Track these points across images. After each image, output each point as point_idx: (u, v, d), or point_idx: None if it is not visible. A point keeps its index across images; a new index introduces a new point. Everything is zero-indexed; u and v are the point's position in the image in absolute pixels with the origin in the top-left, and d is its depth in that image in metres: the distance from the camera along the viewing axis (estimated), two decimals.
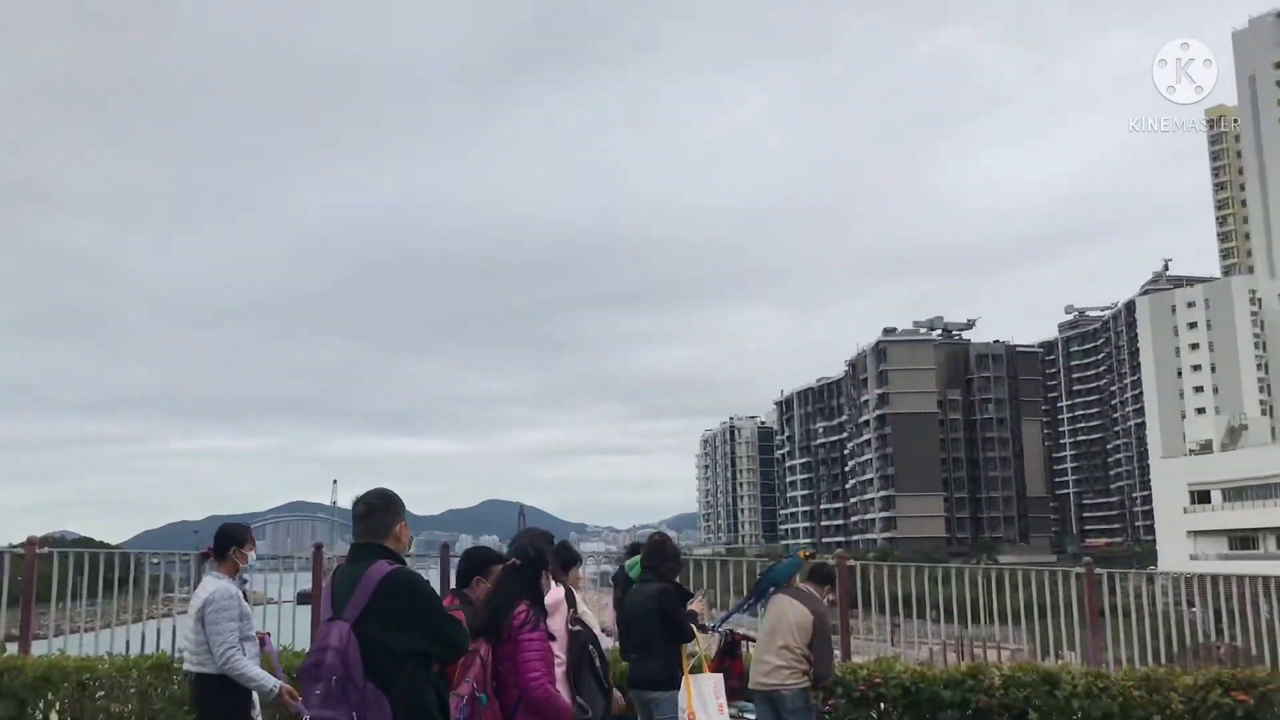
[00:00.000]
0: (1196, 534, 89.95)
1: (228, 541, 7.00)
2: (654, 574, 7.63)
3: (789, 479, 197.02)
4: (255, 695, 6.78)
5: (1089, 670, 9.92)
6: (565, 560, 6.91)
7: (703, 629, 7.89)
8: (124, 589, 11.41)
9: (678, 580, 7.82)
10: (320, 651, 4.49)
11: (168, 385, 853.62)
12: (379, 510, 4.83)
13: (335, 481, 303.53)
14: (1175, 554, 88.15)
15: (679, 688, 7.33)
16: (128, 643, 10.16)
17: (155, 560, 12.76)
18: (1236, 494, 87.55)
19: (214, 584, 6.83)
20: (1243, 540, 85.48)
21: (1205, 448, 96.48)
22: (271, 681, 6.68)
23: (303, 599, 10.68)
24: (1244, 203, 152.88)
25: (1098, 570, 11.29)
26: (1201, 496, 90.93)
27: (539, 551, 5.70)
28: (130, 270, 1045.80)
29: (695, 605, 7.76)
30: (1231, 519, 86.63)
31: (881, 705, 9.48)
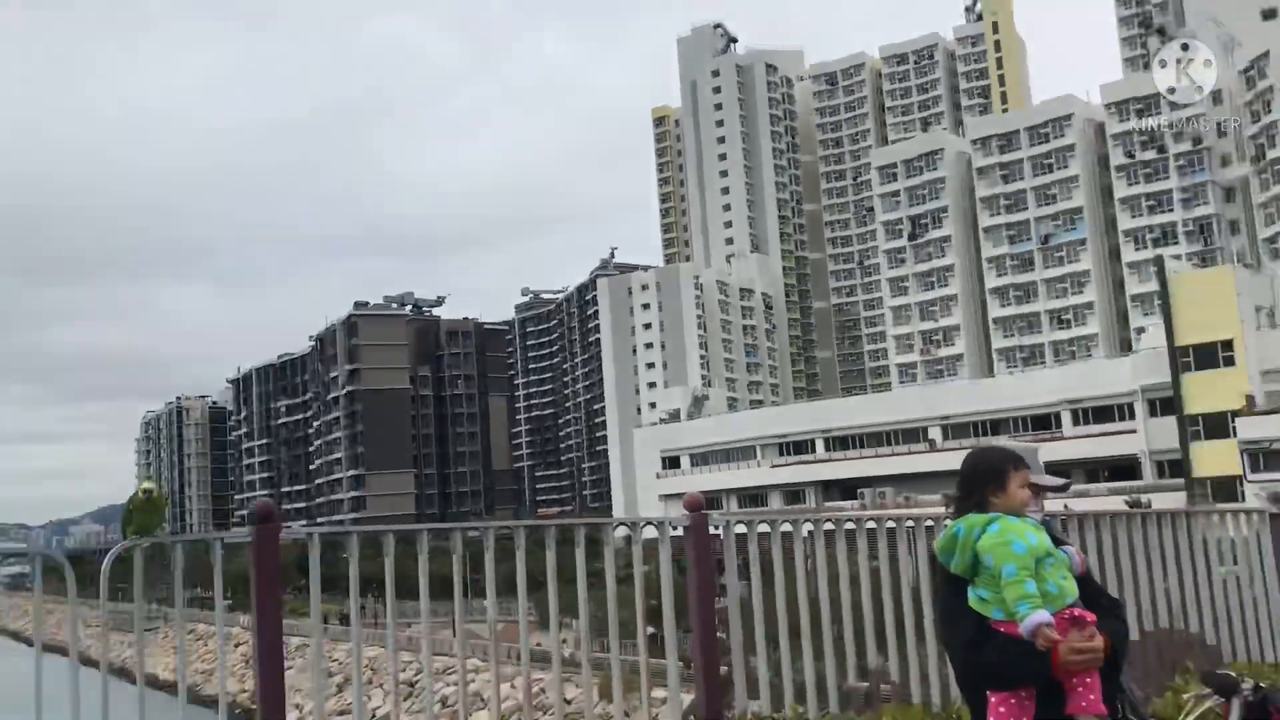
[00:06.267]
0: (667, 498, 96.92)
1: None
2: None
3: (246, 461, 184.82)
4: None
5: None
6: None
7: None
8: None
9: None
10: None
11: None
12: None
13: None
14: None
15: None
16: None
17: None
18: (702, 459, 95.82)
19: None
20: (708, 502, 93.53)
21: (674, 416, 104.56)
22: None
23: None
24: (684, 198, 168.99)
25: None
26: (672, 462, 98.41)
27: None
28: None
29: None
30: (699, 482, 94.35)
31: None
